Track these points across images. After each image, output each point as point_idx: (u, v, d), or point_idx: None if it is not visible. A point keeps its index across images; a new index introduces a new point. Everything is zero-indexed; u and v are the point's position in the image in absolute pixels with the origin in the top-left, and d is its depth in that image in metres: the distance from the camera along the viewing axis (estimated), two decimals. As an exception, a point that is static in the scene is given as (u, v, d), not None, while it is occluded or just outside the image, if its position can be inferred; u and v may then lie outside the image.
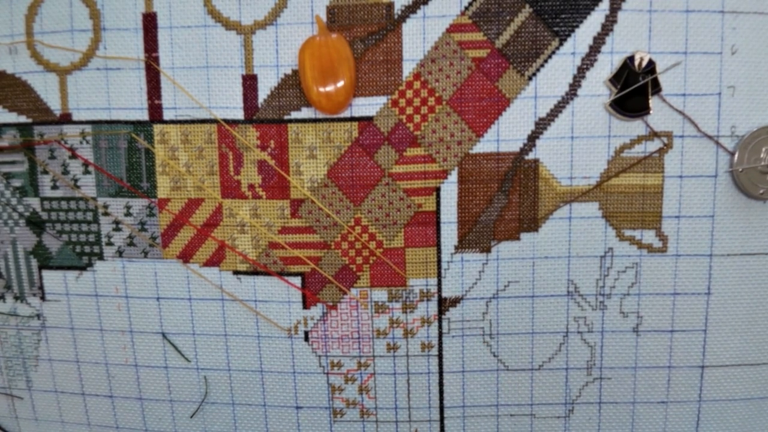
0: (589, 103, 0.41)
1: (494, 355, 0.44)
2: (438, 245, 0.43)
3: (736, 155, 0.40)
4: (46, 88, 0.44)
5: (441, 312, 0.44)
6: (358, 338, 0.44)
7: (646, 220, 0.42)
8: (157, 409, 0.47)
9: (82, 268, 0.46)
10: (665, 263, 0.42)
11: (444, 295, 0.43)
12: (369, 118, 0.42)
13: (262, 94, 0.42)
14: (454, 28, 0.40)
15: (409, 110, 0.41)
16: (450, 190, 0.42)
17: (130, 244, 0.45)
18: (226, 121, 0.43)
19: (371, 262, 0.43)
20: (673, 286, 0.42)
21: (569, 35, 0.40)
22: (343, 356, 0.45)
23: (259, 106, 0.42)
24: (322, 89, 0.40)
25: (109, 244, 0.45)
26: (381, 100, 0.41)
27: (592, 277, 0.43)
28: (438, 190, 0.42)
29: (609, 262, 0.42)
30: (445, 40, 0.41)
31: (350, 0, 0.41)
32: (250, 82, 0.42)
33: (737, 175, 0.40)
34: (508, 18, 0.40)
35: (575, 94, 0.41)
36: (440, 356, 0.44)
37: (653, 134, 0.41)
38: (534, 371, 0.44)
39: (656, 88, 0.40)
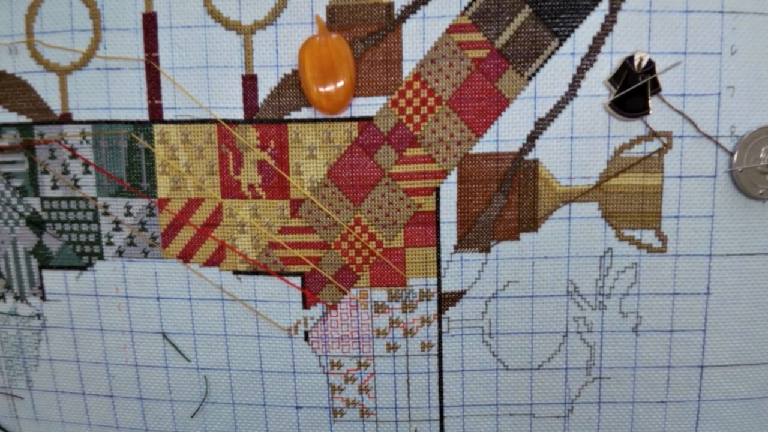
0: (588, 104, 0.41)
1: (494, 355, 0.44)
2: (438, 245, 0.43)
3: (736, 155, 0.40)
4: (46, 88, 0.44)
5: (440, 311, 0.44)
6: (358, 338, 0.45)
7: (645, 220, 0.42)
8: (158, 408, 0.47)
9: (83, 268, 0.46)
10: (665, 263, 0.42)
11: (443, 294, 0.44)
12: (369, 119, 0.42)
13: (262, 94, 0.42)
14: (453, 29, 0.40)
15: (409, 110, 0.41)
16: (449, 190, 0.42)
17: (131, 244, 0.45)
18: (226, 121, 0.43)
19: (371, 262, 0.43)
20: (672, 286, 0.42)
21: (569, 35, 0.40)
22: (343, 356, 0.45)
23: (259, 106, 0.42)
24: (322, 89, 0.40)
25: (110, 244, 0.45)
26: (381, 101, 0.41)
27: (591, 277, 0.43)
28: (438, 190, 0.42)
29: (608, 262, 0.42)
30: (444, 41, 0.41)
31: (350, 0, 0.41)
32: (250, 82, 0.42)
33: (737, 175, 0.41)
34: (507, 18, 0.40)
35: (575, 95, 0.41)
36: (440, 356, 0.44)
37: (653, 134, 0.41)
38: (533, 371, 0.44)
39: (656, 88, 0.40)
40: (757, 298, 0.43)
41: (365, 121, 0.42)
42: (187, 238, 0.44)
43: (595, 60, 0.40)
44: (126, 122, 0.43)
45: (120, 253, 0.45)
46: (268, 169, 0.43)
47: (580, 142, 0.41)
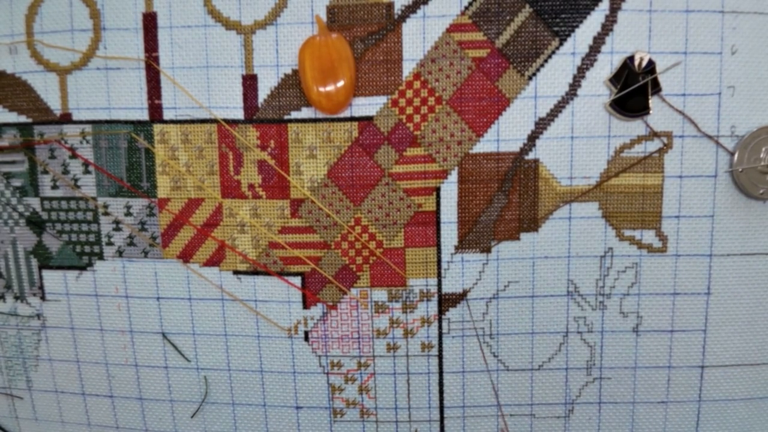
0: (589, 103, 0.41)
1: (494, 356, 0.44)
2: (438, 245, 0.43)
3: (736, 155, 0.40)
4: (46, 88, 0.44)
5: (441, 312, 0.44)
6: (358, 338, 0.45)
7: (645, 220, 0.42)
8: (158, 409, 0.47)
9: (82, 268, 0.46)
10: (665, 263, 0.42)
11: (444, 295, 0.43)
12: (369, 118, 0.42)
13: (262, 93, 0.42)
14: (454, 28, 0.40)
15: (409, 110, 0.41)
16: (450, 190, 0.42)
17: (130, 243, 0.45)
18: (226, 121, 0.43)
19: (371, 262, 0.43)
20: (672, 286, 0.42)
21: (569, 35, 0.40)
22: (343, 356, 0.45)
23: (259, 105, 0.42)
24: (322, 89, 0.40)
25: (109, 243, 0.45)
26: (381, 100, 0.41)
27: (592, 277, 0.43)
28: (438, 190, 0.42)
29: (609, 262, 0.42)
30: (445, 40, 0.41)
31: (350, 0, 0.41)
32: (250, 82, 0.42)
33: (737, 175, 0.41)
34: (508, 18, 0.40)
35: (575, 94, 0.41)
36: (440, 356, 0.44)
37: (653, 134, 0.41)
38: (534, 371, 0.44)
39: (656, 88, 0.40)
40: (757, 298, 0.42)
41: (365, 120, 0.42)
42: (187, 238, 0.44)
43: (595, 60, 0.40)
44: (126, 122, 0.43)
45: (120, 253, 0.45)
46: (268, 169, 0.43)
47: (580, 141, 0.41)
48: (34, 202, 0.45)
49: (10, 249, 0.46)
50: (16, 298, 0.47)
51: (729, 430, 0.44)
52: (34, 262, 0.46)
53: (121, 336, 0.46)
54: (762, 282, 0.42)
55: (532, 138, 0.41)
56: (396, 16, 0.41)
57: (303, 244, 0.44)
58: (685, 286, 0.42)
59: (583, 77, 0.40)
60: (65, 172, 0.45)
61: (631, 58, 0.39)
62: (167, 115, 0.43)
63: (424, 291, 0.44)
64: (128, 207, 0.44)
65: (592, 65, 0.40)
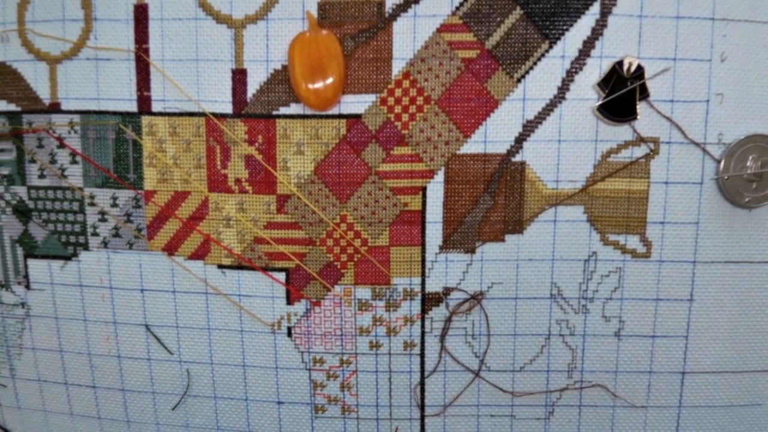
0: (577, 107, 0.41)
1: (476, 356, 0.44)
2: (423, 245, 0.43)
3: (722, 163, 0.40)
4: (36, 77, 0.44)
5: (424, 311, 0.44)
6: (341, 335, 0.45)
7: (630, 225, 0.42)
8: (139, 400, 0.47)
9: (68, 258, 0.46)
10: (648, 269, 0.42)
11: (427, 294, 0.43)
12: (357, 116, 0.42)
13: (251, 88, 0.42)
14: (444, 28, 0.40)
15: (398, 109, 0.41)
16: (436, 189, 0.42)
17: (116, 235, 0.45)
18: (215, 114, 0.43)
19: (356, 259, 0.43)
20: (655, 291, 0.42)
21: (559, 38, 0.40)
22: (325, 353, 0.45)
23: (248, 100, 0.42)
24: (310, 86, 0.40)
25: (95, 234, 0.45)
26: (370, 98, 0.41)
27: (575, 281, 0.43)
28: (424, 189, 0.42)
29: (592, 266, 0.42)
30: (435, 40, 0.41)
31: (341, -3, 0.41)
32: (239, 77, 0.42)
33: (723, 183, 0.41)
34: (498, 19, 0.40)
35: (563, 98, 0.41)
36: (422, 355, 0.44)
37: (640, 140, 0.41)
38: (515, 372, 0.44)
39: (644, 93, 0.40)
40: (739, 305, 0.43)
41: (353, 118, 0.42)
42: (173, 231, 0.44)
43: (584, 63, 0.40)
44: (114, 113, 0.43)
45: (105, 244, 0.45)
46: (256, 164, 0.43)
47: (567, 145, 0.41)
48: (21, 191, 0.45)
49: (-4, 237, 0.46)
50: (1, 286, 0.47)
51: (708, 436, 0.45)
52: (20, 250, 0.46)
53: (105, 327, 0.46)
54: (744, 290, 0.42)
55: (520, 140, 0.41)
56: (387, 15, 0.41)
57: (288, 240, 0.44)
58: (668, 292, 0.42)
59: (571, 81, 0.40)
60: (53, 161, 0.45)
61: (620, 63, 0.39)
62: (156, 107, 0.43)
63: (408, 290, 0.44)
64: (114, 198, 0.44)
65: (581, 69, 0.40)
